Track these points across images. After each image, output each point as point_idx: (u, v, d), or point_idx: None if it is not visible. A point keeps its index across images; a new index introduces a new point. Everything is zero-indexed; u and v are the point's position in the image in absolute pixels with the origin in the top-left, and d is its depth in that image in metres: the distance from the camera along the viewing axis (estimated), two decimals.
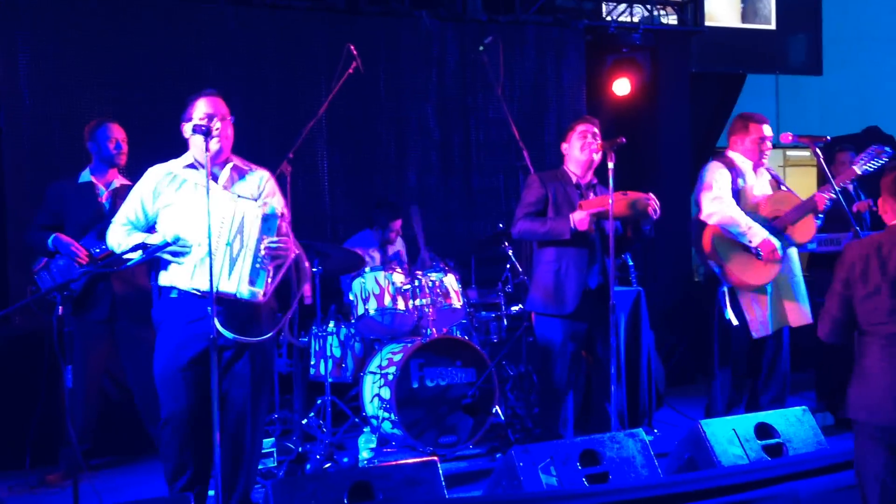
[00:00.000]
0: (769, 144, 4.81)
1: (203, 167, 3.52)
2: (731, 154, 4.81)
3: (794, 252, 4.78)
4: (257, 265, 3.42)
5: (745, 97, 8.38)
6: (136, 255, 3.47)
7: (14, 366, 4.83)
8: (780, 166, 9.86)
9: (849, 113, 9.08)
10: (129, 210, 3.64)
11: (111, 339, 4.58)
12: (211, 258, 3.28)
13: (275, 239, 3.49)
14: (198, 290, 3.46)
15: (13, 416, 4.76)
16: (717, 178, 4.67)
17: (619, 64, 7.02)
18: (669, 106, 7.22)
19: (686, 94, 7.33)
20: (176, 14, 5.70)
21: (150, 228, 3.63)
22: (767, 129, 4.78)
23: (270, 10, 5.94)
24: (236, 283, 3.41)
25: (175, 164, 3.66)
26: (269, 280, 3.51)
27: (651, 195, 4.23)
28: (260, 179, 3.73)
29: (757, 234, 4.56)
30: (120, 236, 3.61)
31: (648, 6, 7.22)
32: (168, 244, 3.38)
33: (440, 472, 3.25)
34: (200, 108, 3.61)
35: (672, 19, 7.35)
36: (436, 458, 3.31)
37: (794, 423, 3.97)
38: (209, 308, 3.32)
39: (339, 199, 6.16)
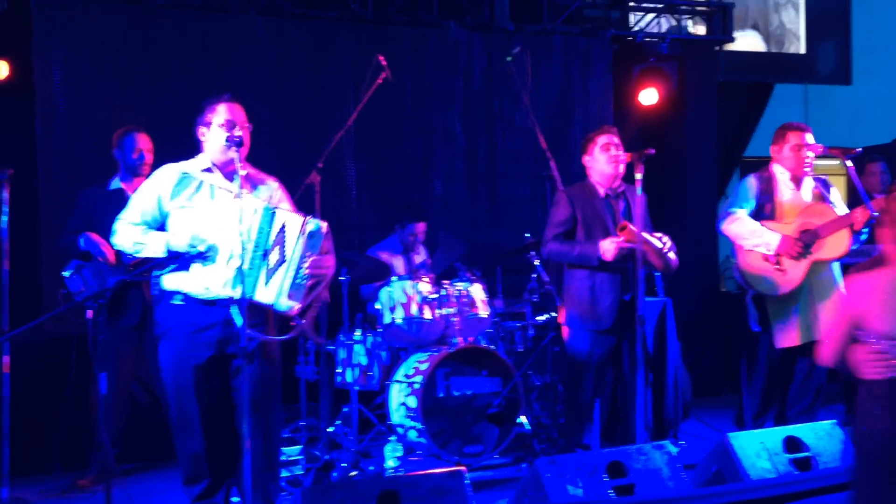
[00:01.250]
0: (805, 152, 4.70)
1: (220, 171, 3.58)
2: (773, 166, 4.77)
3: (836, 264, 4.70)
4: (299, 280, 3.44)
5: (773, 107, 8.35)
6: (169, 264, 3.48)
7: (43, 369, 4.90)
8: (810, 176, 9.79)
9: (878, 123, 8.98)
10: (142, 208, 3.57)
11: (141, 344, 4.64)
12: (242, 267, 3.30)
13: (317, 257, 3.51)
14: (218, 296, 3.42)
15: (41, 420, 4.83)
16: (741, 194, 4.69)
17: (646, 74, 7.01)
18: (696, 116, 7.20)
19: (713, 105, 7.30)
20: (206, 25, 5.77)
21: (161, 227, 3.58)
22: (809, 137, 4.69)
23: (300, 19, 6.00)
24: (275, 293, 3.41)
25: (190, 166, 3.62)
26: (307, 295, 3.54)
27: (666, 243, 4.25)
28: (271, 188, 3.76)
29: (771, 239, 4.53)
30: (135, 236, 3.53)
31: (676, 16, 7.21)
32: (202, 254, 3.40)
33: (467, 481, 3.26)
34: (221, 114, 3.60)
35: (700, 29, 7.34)
36: (463, 467, 3.32)
37: (823, 436, 3.94)
38: (231, 313, 3.30)
39: (366, 207, 6.19)
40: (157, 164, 4.88)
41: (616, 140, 4.48)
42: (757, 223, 4.59)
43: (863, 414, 2.84)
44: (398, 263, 5.72)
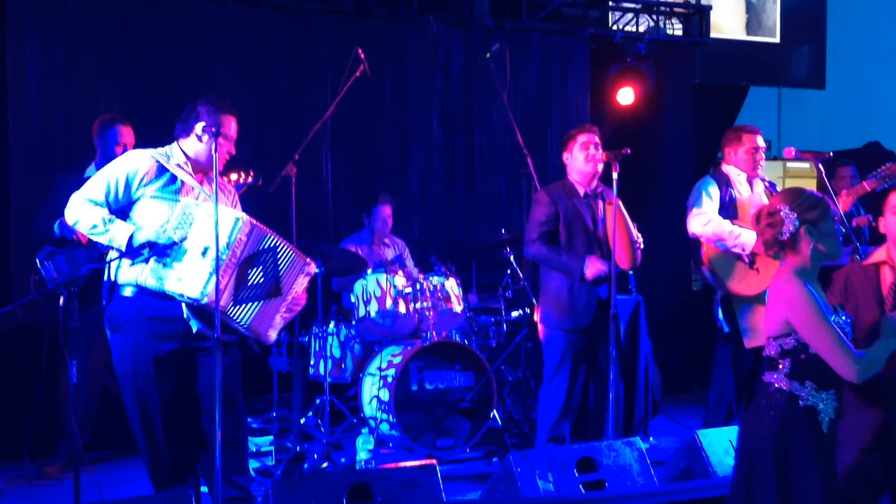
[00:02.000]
0: (762, 155, 4.87)
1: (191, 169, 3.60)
2: (725, 167, 4.86)
3: None
4: (285, 313, 3.49)
5: (748, 109, 8.44)
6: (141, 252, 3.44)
7: (13, 356, 4.86)
8: (780, 177, 9.88)
9: (850, 127, 9.13)
10: (104, 187, 3.46)
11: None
12: (218, 273, 3.28)
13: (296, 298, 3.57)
14: (181, 296, 3.39)
15: (11, 407, 4.79)
16: (704, 194, 4.74)
17: (624, 73, 7.05)
18: (672, 116, 7.26)
19: (689, 105, 7.37)
20: (185, 14, 5.72)
21: (124, 211, 3.50)
22: (760, 140, 4.84)
23: (278, 11, 5.96)
24: (235, 308, 3.42)
25: (162, 156, 3.57)
26: (272, 324, 3.58)
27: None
28: (231, 192, 3.80)
29: (748, 241, 4.59)
30: (92, 217, 3.42)
31: (654, 16, 7.26)
32: (175, 244, 3.37)
33: (439, 475, 3.28)
34: (232, 127, 3.62)
35: (678, 30, 7.39)
36: (435, 461, 3.34)
37: None
38: (185, 312, 3.35)
39: (342, 200, 6.17)
40: None
41: (596, 139, 4.51)
42: (731, 224, 4.65)
43: None
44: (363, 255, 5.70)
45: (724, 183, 4.78)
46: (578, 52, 6.88)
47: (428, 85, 6.43)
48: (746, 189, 4.81)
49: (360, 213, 5.85)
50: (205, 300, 3.35)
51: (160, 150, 3.63)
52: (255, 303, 3.44)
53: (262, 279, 3.44)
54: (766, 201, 4.82)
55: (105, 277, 3.57)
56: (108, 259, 3.55)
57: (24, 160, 5.34)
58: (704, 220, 4.66)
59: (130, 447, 4.92)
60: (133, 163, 3.51)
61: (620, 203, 4.29)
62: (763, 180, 4.91)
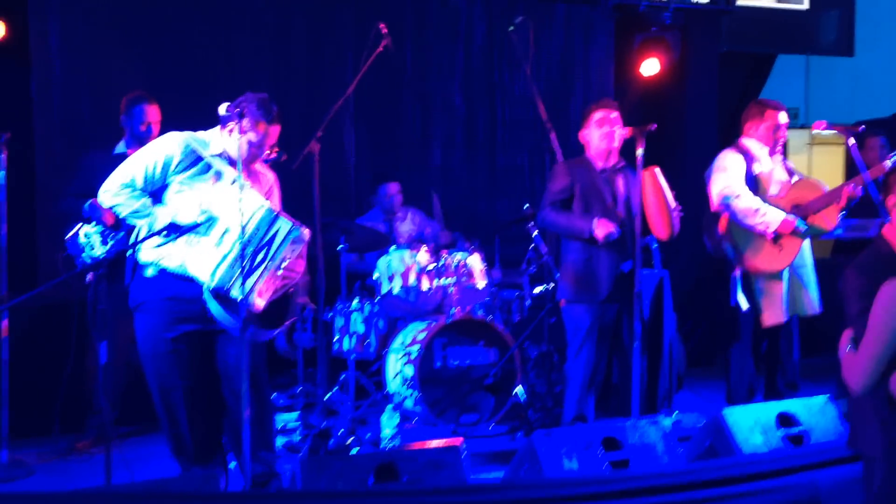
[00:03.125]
0: (784, 132, 4.76)
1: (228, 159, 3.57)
2: (746, 141, 4.77)
3: (806, 241, 4.74)
4: (271, 279, 3.47)
5: (775, 77, 8.29)
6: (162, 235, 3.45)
7: (42, 332, 4.91)
8: (808, 144, 9.77)
9: (880, 94, 8.96)
10: (143, 171, 3.48)
11: None
12: (243, 260, 3.29)
13: (294, 260, 3.53)
14: (194, 277, 3.42)
15: (41, 382, 4.85)
16: (729, 168, 4.64)
17: (648, 43, 6.93)
18: (697, 86, 7.15)
19: (715, 75, 7.24)
20: None
21: (157, 194, 3.52)
22: (783, 117, 4.73)
23: None
24: (247, 289, 3.40)
25: (198, 142, 3.56)
26: (273, 294, 3.56)
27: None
28: (269, 182, 3.78)
29: (773, 220, 4.52)
30: (131, 202, 3.46)
31: None
32: (198, 225, 3.39)
33: (463, 456, 3.30)
34: (267, 134, 3.58)
35: None
36: (459, 442, 3.35)
37: (816, 412, 3.98)
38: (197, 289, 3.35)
39: (364, 174, 6.17)
40: (163, 131, 4.88)
41: (613, 115, 4.46)
42: (759, 200, 4.58)
43: None
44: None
45: (747, 157, 4.70)
46: (602, 22, 6.79)
47: (450, 57, 6.38)
48: (768, 164, 4.74)
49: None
50: (213, 284, 3.37)
51: (200, 135, 3.62)
52: (261, 279, 3.44)
53: (264, 257, 3.44)
54: (786, 178, 4.75)
55: (129, 255, 3.61)
56: (132, 240, 3.57)
57: (48, 136, 5.37)
58: (733, 194, 4.58)
59: (158, 422, 5.04)
60: (169, 147, 3.52)
61: (658, 170, 4.24)
62: (783, 161, 4.82)
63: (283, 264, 3.49)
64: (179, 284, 3.46)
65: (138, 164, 3.51)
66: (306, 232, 3.56)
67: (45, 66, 5.32)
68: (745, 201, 4.55)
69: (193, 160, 3.52)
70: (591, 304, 4.42)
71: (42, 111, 5.33)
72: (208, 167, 3.53)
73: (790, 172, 4.82)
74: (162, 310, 3.49)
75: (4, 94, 5.35)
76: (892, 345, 2.54)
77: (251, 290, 3.41)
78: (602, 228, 4.29)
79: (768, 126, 4.71)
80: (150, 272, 3.50)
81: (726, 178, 4.62)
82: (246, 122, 3.52)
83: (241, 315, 3.32)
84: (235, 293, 3.40)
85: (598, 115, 4.46)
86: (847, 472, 3.75)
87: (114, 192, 3.52)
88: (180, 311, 3.48)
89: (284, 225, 3.45)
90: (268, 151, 3.63)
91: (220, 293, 3.37)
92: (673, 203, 4.35)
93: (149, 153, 3.53)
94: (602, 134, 4.43)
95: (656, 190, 4.24)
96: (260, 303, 3.48)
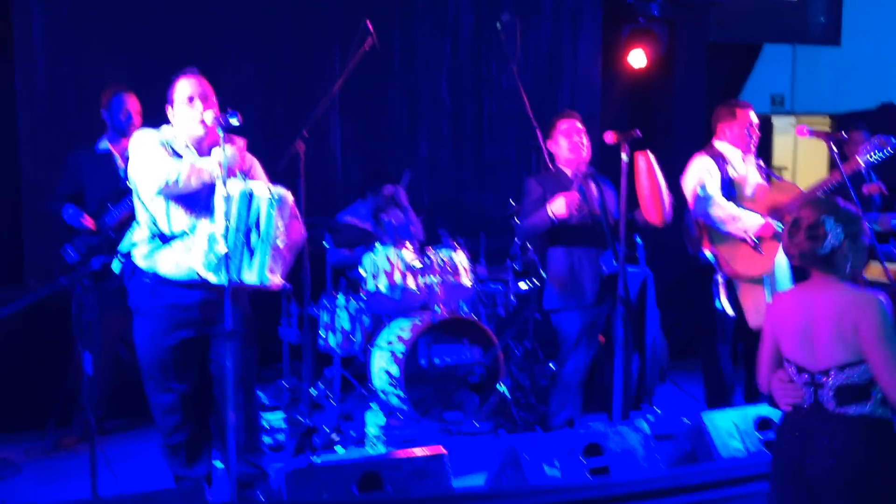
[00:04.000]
0: (756, 132, 4.76)
1: (195, 148, 3.53)
2: (718, 144, 4.76)
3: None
4: (275, 253, 3.46)
5: (761, 65, 8.30)
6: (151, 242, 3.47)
7: (35, 329, 4.91)
8: (793, 125, 9.80)
9: (867, 84, 8.97)
10: (162, 153, 3.48)
11: (126, 305, 4.66)
12: (229, 251, 3.30)
13: (288, 225, 3.51)
14: (197, 279, 3.43)
15: (32, 378, 4.88)
16: (706, 175, 4.62)
17: (636, 34, 6.93)
18: (685, 78, 7.17)
19: (702, 66, 7.26)
20: None
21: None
22: (754, 116, 4.74)
23: None
24: (258, 272, 3.43)
25: (167, 137, 3.55)
26: (285, 264, 3.58)
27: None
28: (248, 159, 3.72)
29: (751, 225, 4.54)
30: (178, 165, 3.42)
31: None
32: (185, 233, 3.40)
33: (448, 464, 3.35)
34: (184, 90, 3.53)
35: None
36: (444, 451, 3.40)
37: None
38: (194, 296, 3.38)
39: (351, 168, 6.18)
40: (146, 124, 4.86)
41: (578, 125, 4.51)
42: (735, 207, 4.59)
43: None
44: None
45: (721, 160, 4.70)
46: (590, 12, 6.78)
47: (437, 50, 6.36)
48: (742, 167, 4.73)
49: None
50: (225, 281, 3.37)
51: (165, 129, 3.60)
52: (263, 259, 3.45)
53: (259, 237, 3.44)
54: (760, 180, 4.73)
55: (122, 259, 3.62)
56: (120, 248, 3.58)
57: (32, 131, 5.35)
58: (710, 202, 4.60)
59: (146, 416, 5.07)
60: (147, 141, 3.51)
61: (651, 154, 4.24)
62: (756, 158, 4.82)
63: (280, 234, 3.49)
64: (177, 291, 3.49)
65: (155, 153, 3.48)
66: (285, 193, 3.54)
67: (28, 60, 5.28)
68: (722, 209, 4.56)
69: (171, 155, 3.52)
70: (579, 309, 4.47)
71: (26, 106, 5.30)
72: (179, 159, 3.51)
73: (765, 173, 4.83)
74: (160, 316, 3.53)
75: None
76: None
77: (262, 270, 3.43)
78: (557, 203, 4.31)
79: (740, 126, 4.69)
80: (147, 279, 3.52)
81: (701, 184, 4.62)
82: (171, 96, 3.55)
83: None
84: (250, 279, 3.42)
85: (563, 125, 4.52)
86: None
87: (170, 171, 3.44)
88: (178, 317, 3.52)
89: (263, 200, 3.44)
90: (209, 113, 3.51)
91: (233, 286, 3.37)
92: (665, 188, 4.34)
93: (149, 149, 3.49)
94: (571, 144, 4.48)
95: (650, 173, 4.22)
96: (277, 280, 3.51)
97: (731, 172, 4.66)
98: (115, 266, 3.62)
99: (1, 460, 4.38)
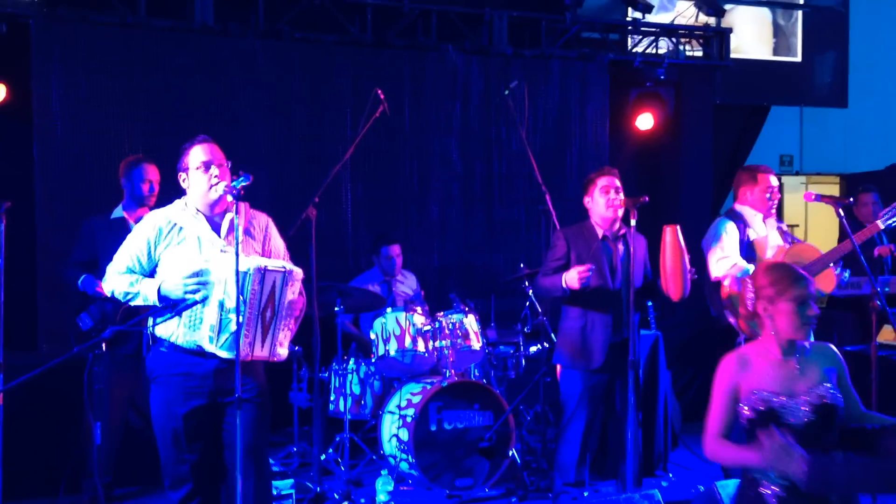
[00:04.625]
0: (777, 195, 4.83)
1: (207, 217, 3.57)
2: (740, 207, 4.82)
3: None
4: (286, 329, 3.50)
5: (770, 125, 8.39)
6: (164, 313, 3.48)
7: (44, 394, 4.91)
8: (803, 184, 9.86)
9: (874, 146, 9.04)
10: (130, 255, 3.55)
11: (137, 371, 4.68)
12: (240, 325, 3.31)
13: (294, 301, 3.54)
14: (202, 350, 3.44)
15: (42, 445, 4.86)
16: (724, 236, 4.68)
17: (643, 98, 7.04)
18: (692, 139, 7.25)
19: (709, 128, 7.34)
20: (206, 48, 5.79)
21: (150, 275, 3.57)
22: (774, 180, 4.80)
23: (298, 43, 6.01)
24: (270, 348, 3.45)
25: (174, 213, 3.60)
26: (291, 335, 3.60)
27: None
28: (261, 224, 3.74)
29: None
30: (122, 284, 3.53)
31: (674, 39, 7.24)
32: (197, 303, 3.42)
33: None
34: (197, 156, 3.56)
35: (698, 52, 7.36)
36: None
37: None
38: (207, 365, 3.41)
39: (362, 230, 6.23)
40: (162, 193, 4.95)
41: (616, 183, 4.49)
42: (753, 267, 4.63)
43: None
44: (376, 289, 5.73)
45: (742, 223, 4.75)
46: (597, 77, 6.88)
47: (447, 113, 6.46)
48: (762, 229, 4.78)
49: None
50: (228, 355, 3.40)
51: (175, 204, 3.65)
52: (270, 334, 3.47)
53: (273, 313, 3.47)
54: (780, 242, 4.80)
55: (146, 329, 3.66)
56: (129, 321, 3.62)
57: (49, 197, 5.43)
58: (729, 263, 4.62)
59: (155, 483, 5.05)
60: (148, 227, 3.57)
61: (679, 230, 4.27)
62: (778, 224, 4.88)
63: (291, 309, 3.53)
64: (191, 360, 3.50)
65: (125, 252, 3.58)
66: (297, 270, 3.57)
67: (47, 127, 5.39)
68: (738, 268, 4.59)
69: (173, 231, 3.56)
70: (584, 371, 4.46)
71: (43, 172, 5.39)
72: (184, 234, 3.54)
73: (786, 236, 4.87)
74: (174, 384, 3.53)
75: (6, 156, 5.43)
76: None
77: (273, 345, 3.47)
78: (570, 277, 4.32)
79: (762, 190, 4.76)
80: (163, 347, 3.55)
81: (722, 247, 4.66)
82: (185, 163, 3.59)
83: None
84: (261, 354, 3.45)
85: (602, 181, 4.49)
86: None
87: (110, 280, 3.59)
88: (192, 386, 3.52)
89: (277, 276, 3.47)
90: (218, 180, 3.52)
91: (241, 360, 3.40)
92: (688, 264, 4.36)
93: (131, 239, 3.59)
94: (608, 201, 4.46)
95: (675, 248, 4.25)
96: (283, 352, 3.54)
97: (752, 235, 4.73)
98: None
99: None
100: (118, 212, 4.74)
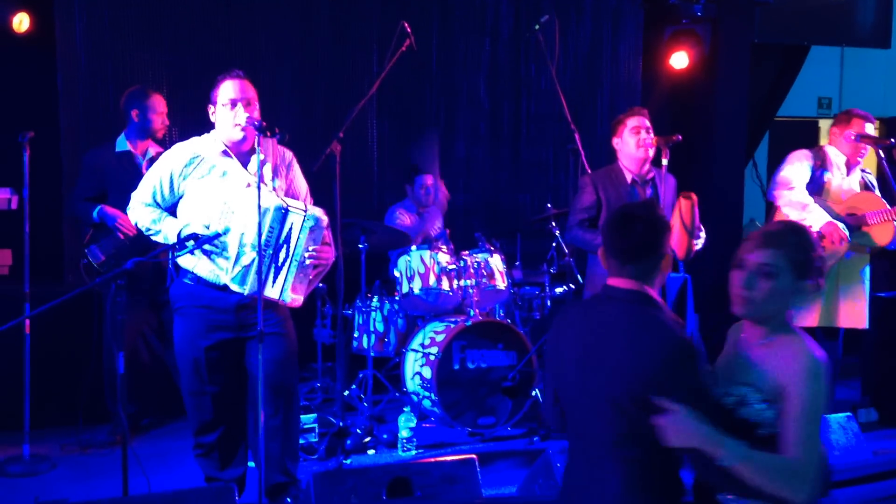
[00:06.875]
0: (867, 146, 4.70)
1: (234, 152, 3.52)
2: (827, 147, 4.78)
3: (861, 258, 4.70)
4: (301, 273, 3.46)
5: (808, 66, 8.12)
6: (188, 244, 3.45)
7: (67, 325, 4.96)
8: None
9: None
10: (152, 188, 3.53)
11: (149, 308, 4.70)
12: (261, 262, 3.28)
13: (318, 249, 3.49)
14: (225, 286, 3.43)
15: (66, 373, 4.92)
16: (796, 164, 4.68)
17: (678, 36, 6.80)
18: (728, 80, 7.01)
19: (746, 69, 7.10)
20: None
21: (171, 208, 3.55)
22: (870, 128, 4.70)
23: None
24: (280, 290, 3.43)
25: (202, 147, 3.55)
26: (309, 286, 3.56)
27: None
28: (286, 160, 3.70)
29: (816, 220, 4.52)
30: (146, 219, 3.52)
31: None
32: (219, 235, 3.39)
33: (478, 470, 3.30)
34: (226, 92, 3.50)
35: None
36: (474, 456, 3.34)
37: (836, 430, 3.94)
38: (230, 300, 3.40)
39: (387, 168, 6.15)
40: (176, 124, 4.88)
41: (647, 123, 4.37)
42: (810, 198, 4.61)
43: None
44: (411, 222, 5.65)
45: (821, 161, 4.71)
46: (631, 14, 6.68)
47: (475, 49, 6.31)
48: (841, 174, 4.71)
49: (404, 180, 5.82)
50: (246, 292, 3.39)
51: (204, 138, 3.61)
52: (288, 277, 3.44)
53: (287, 255, 3.43)
54: (858, 191, 4.71)
55: (169, 263, 3.68)
56: (155, 250, 3.60)
57: (73, 128, 5.40)
58: (789, 188, 4.62)
59: (180, 412, 5.09)
60: (172, 158, 3.54)
61: (695, 199, 4.18)
62: (863, 171, 4.78)
63: (308, 256, 3.48)
64: (214, 294, 3.49)
65: (148, 183, 3.56)
66: (321, 214, 3.53)
67: (70, 57, 5.32)
68: (797, 195, 4.60)
69: (198, 164, 3.52)
70: None
71: (68, 103, 5.35)
72: (211, 168, 3.51)
73: (867, 186, 4.78)
74: (198, 316, 3.53)
75: (30, 86, 5.37)
76: None
77: (283, 288, 3.43)
78: None
79: (855, 134, 4.68)
80: (188, 279, 3.54)
81: (789, 170, 4.67)
82: (215, 97, 3.54)
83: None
84: (271, 295, 3.42)
85: (632, 122, 4.37)
86: (868, 492, 3.73)
87: (134, 210, 3.59)
88: (215, 319, 3.51)
89: (297, 218, 3.43)
90: (247, 115, 3.47)
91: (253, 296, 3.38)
92: (697, 232, 4.27)
93: (155, 170, 3.57)
94: (638, 141, 4.34)
95: (686, 218, 4.17)
96: (298, 299, 3.51)
97: (826, 177, 4.69)
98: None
99: (36, 456, 4.41)
100: (122, 143, 4.66)
